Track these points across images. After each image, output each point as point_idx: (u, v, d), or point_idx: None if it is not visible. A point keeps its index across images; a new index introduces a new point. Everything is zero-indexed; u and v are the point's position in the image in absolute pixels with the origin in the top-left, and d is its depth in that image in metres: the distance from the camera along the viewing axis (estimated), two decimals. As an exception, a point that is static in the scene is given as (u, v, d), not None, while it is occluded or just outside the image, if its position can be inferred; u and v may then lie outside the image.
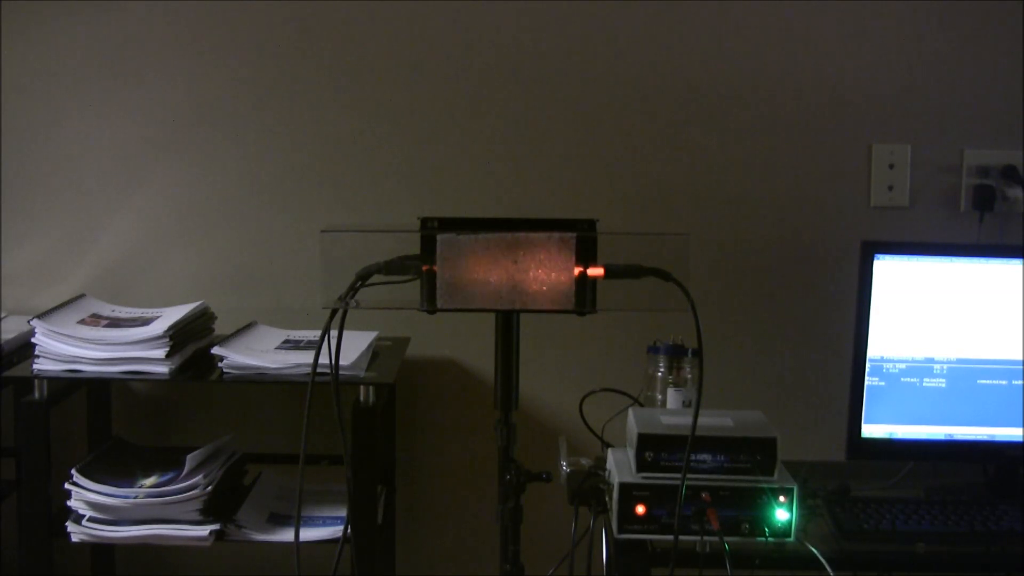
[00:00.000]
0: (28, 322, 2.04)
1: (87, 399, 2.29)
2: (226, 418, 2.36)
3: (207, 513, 1.99)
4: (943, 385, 2.01)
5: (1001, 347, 2.00)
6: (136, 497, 1.98)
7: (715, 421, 1.74)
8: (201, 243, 2.34)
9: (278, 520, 2.09)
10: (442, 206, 2.30)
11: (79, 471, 2.00)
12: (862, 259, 2.00)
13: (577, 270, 1.46)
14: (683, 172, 2.32)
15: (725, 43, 2.29)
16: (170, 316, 2.11)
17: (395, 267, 1.48)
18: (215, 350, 2.03)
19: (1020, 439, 2.01)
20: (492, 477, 1.54)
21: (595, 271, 1.46)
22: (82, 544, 2.03)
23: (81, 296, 2.25)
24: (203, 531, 1.98)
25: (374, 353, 2.13)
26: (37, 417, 1.98)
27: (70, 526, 1.99)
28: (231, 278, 2.35)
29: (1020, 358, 1.99)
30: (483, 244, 1.45)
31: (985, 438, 2.02)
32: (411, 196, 2.32)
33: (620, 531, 1.69)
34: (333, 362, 1.52)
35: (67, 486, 2.00)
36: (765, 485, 1.68)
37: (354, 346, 2.04)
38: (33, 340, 2.01)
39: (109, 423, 2.33)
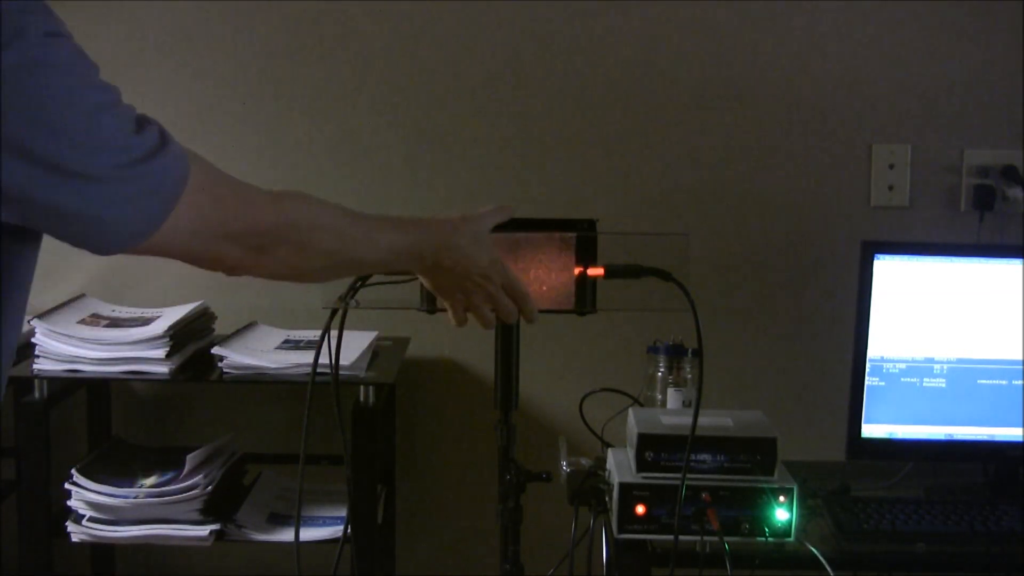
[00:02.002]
0: (28, 322, 2.04)
1: (87, 399, 2.29)
2: (226, 418, 2.36)
3: (207, 513, 2.00)
4: (943, 385, 2.01)
5: (1001, 347, 2.00)
6: (136, 497, 1.98)
7: (715, 421, 1.74)
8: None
9: (278, 520, 2.09)
10: (442, 206, 2.30)
11: (79, 471, 2.01)
12: (862, 259, 1.99)
13: (577, 270, 1.46)
14: (683, 172, 2.32)
15: (725, 43, 2.29)
16: (170, 316, 2.11)
17: (395, 267, 1.48)
18: (215, 350, 2.04)
19: (1020, 439, 2.00)
20: (492, 477, 1.55)
21: (595, 271, 1.46)
22: (82, 544, 2.03)
23: (81, 296, 2.25)
24: (203, 531, 1.98)
25: (374, 353, 2.13)
26: (37, 417, 1.99)
27: (70, 526, 1.99)
28: (231, 278, 2.34)
29: (1020, 358, 1.99)
30: None
31: (985, 438, 2.02)
32: (411, 196, 2.32)
33: (620, 531, 1.69)
34: (333, 362, 1.52)
35: (67, 486, 2.00)
36: (765, 485, 1.68)
37: (354, 346, 2.04)
38: (33, 340, 2.02)
39: (109, 423, 2.33)
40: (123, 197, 1.00)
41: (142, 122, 1.04)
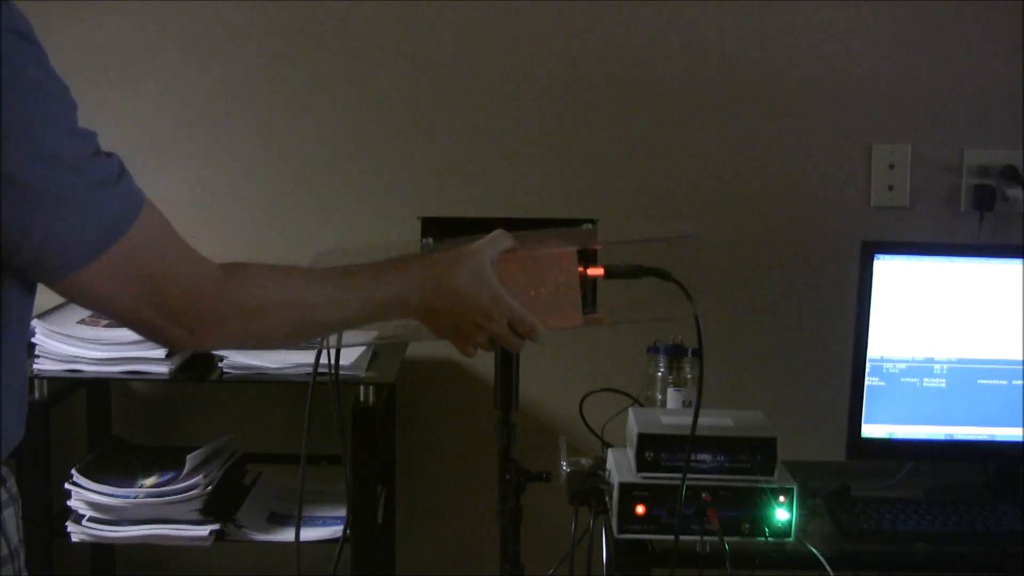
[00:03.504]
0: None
1: (87, 399, 2.29)
2: (226, 418, 2.36)
3: (207, 513, 2.00)
4: (943, 385, 2.00)
5: (1001, 347, 2.00)
6: (136, 497, 1.98)
7: (715, 421, 1.74)
8: (201, 243, 2.33)
9: (278, 520, 2.09)
10: (442, 206, 2.30)
11: (79, 471, 2.01)
12: (862, 259, 1.99)
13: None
14: (683, 172, 2.32)
15: (725, 43, 2.29)
16: (170, 316, 2.11)
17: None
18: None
19: (1020, 439, 2.00)
20: (492, 477, 1.54)
21: (595, 271, 1.46)
22: (82, 544, 2.03)
23: (81, 296, 2.25)
24: (203, 531, 1.99)
25: (374, 353, 2.13)
26: (37, 417, 1.98)
27: (70, 526, 1.99)
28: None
29: (1020, 358, 1.99)
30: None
31: (985, 438, 2.02)
32: (411, 196, 2.32)
33: (620, 531, 1.69)
34: (333, 362, 1.52)
35: (67, 486, 2.00)
36: (765, 485, 1.68)
37: (354, 346, 2.04)
38: (33, 340, 2.01)
39: (109, 423, 2.33)
40: (60, 218, 0.95)
41: (102, 153, 1.00)
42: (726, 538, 1.64)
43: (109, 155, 1.02)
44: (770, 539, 1.68)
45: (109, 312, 1.06)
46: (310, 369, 1.52)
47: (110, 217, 0.99)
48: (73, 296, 1.03)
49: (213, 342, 1.13)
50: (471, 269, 1.26)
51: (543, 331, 1.31)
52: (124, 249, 1.00)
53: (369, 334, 2.13)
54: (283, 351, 2.09)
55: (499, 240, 1.32)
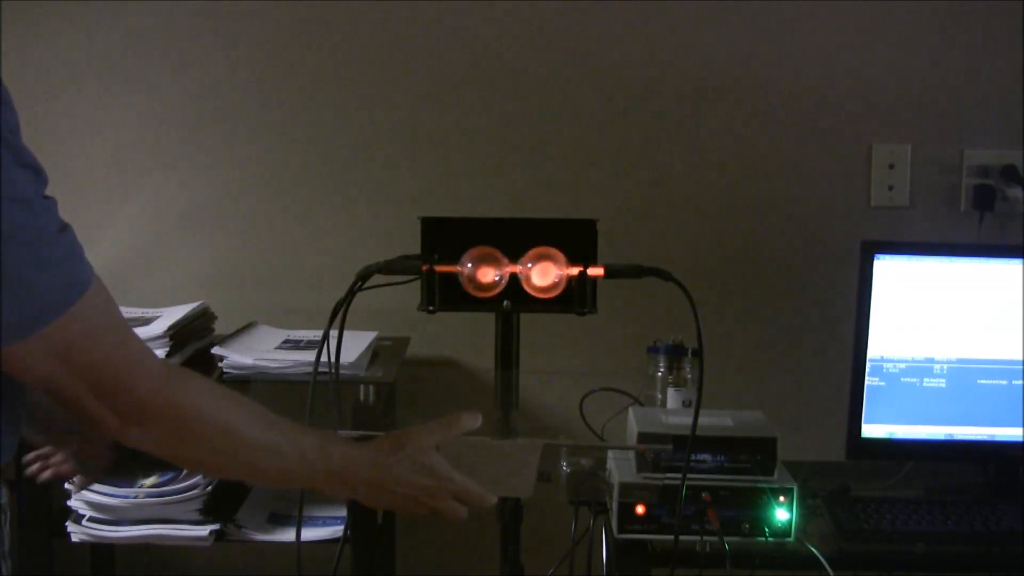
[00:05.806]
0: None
1: (87, 399, 2.29)
2: (226, 418, 2.35)
3: (207, 513, 2.00)
4: (943, 385, 2.01)
5: (1001, 347, 2.00)
6: (136, 497, 1.98)
7: (715, 421, 1.74)
8: (201, 243, 2.34)
9: (278, 520, 2.09)
10: (442, 206, 2.30)
11: (79, 471, 2.00)
12: (862, 259, 2.00)
13: (577, 270, 1.46)
14: (683, 172, 2.32)
15: (725, 43, 2.29)
16: (170, 316, 2.11)
17: (395, 267, 1.49)
18: (215, 350, 2.04)
19: (1020, 439, 2.01)
20: (492, 477, 1.54)
21: (595, 271, 1.46)
22: (82, 544, 2.03)
23: (81, 296, 2.25)
24: (203, 531, 1.99)
25: (374, 353, 2.13)
26: (37, 417, 1.98)
27: (70, 526, 1.99)
28: (231, 278, 2.35)
29: (1020, 358, 1.99)
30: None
31: (985, 438, 2.02)
32: (411, 196, 2.32)
33: (620, 531, 1.69)
34: (333, 362, 1.52)
35: (67, 486, 2.00)
36: (765, 485, 1.68)
37: (354, 346, 2.04)
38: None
39: (109, 423, 2.33)
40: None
41: (57, 225, 0.98)
42: (726, 538, 1.64)
43: (64, 229, 0.99)
44: (770, 539, 1.68)
45: (39, 388, 1.02)
46: (310, 369, 1.52)
47: (46, 299, 0.96)
48: (2, 367, 0.98)
49: (137, 437, 1.10)
50: (411, 457, 1.28)
51: (493, 501, 1.34)
52: (57, 331, 0.97)
53: (369, 334, 2.14)
54: (283, 351, 2.09)
55: (452, 424, 1.35)
